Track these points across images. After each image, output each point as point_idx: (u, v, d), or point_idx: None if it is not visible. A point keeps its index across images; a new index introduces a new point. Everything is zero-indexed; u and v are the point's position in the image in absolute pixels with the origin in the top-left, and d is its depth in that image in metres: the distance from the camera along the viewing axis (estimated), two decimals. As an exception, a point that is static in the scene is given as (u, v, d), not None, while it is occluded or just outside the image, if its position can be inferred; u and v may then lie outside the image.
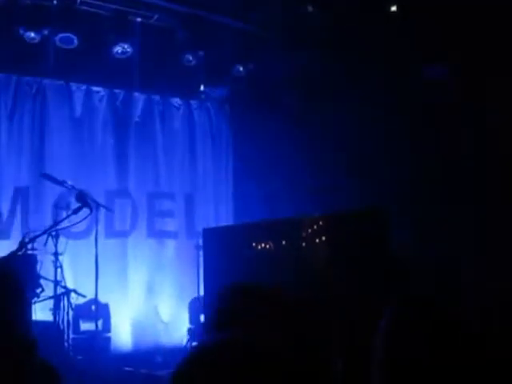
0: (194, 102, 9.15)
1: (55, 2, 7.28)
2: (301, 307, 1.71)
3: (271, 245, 7.19)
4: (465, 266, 6.06)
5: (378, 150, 7.13)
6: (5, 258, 5.05)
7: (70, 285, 6.72)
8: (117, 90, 8.55)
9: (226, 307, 1.62)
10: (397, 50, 6.83)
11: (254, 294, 1.67)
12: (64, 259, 6.71)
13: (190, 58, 8.21)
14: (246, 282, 1.72)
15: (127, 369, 6.76)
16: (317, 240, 6.60)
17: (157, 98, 8.83)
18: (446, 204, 6.48)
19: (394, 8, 7.14)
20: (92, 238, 6.89)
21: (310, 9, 7.76)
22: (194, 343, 7.48)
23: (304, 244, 6.72)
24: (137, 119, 8.63)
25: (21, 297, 1.37)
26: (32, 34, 7.31)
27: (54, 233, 6.33)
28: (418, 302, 1.77)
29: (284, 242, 6.94)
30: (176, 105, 9.03)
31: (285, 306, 1.65)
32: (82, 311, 7.04)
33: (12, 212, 7.61)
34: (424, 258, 6.27)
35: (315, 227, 6.65)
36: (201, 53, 8.19)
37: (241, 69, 8.50)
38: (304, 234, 6.72)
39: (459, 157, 6.44)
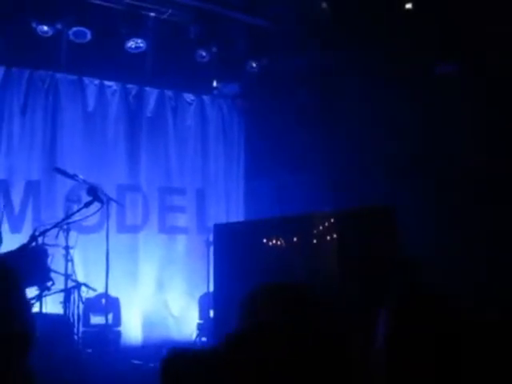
0: (206, 98, 9.13)
1: (69, -5, 7.30)
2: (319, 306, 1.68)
3: (282, 241, 7.16)
4: (477, 265, 6.01)
5: (390, 146, 7.08)
6: (15, 251, 5.06)
7: (80, 278, 6.74)
8: (129, 85, 8.56)
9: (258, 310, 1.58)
10: (410, 46, 6.78)
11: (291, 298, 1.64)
12: (75, 253, 6.73)
13: (203, 53, 8.19)
14: (279, 283, 1.69)
15: (136, 362, 6.76)
16: (328, 237, 6.57)
17: (169, 93, 8.82)
18: (459, 203, 6.42)
19: (408, 5, 7.09)
20: (103, 232, 6.90)
21: (323, 5, 7.73)
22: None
23: (315, 241, 6.69)
24: (149, 114, 8.64)
25: (16, 291, 1.33)
26: (45, 28, 7.32)
27: (65, 226, 6.35)
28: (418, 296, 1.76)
29: (295, 239, 6.91)
30: (188, 100, 9.02)
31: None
32: (93, 305, 7.06)
33: (24, 206, 7.64)
34: (435, 256, 6.22)
35: (326, 224, 6.62)
36: (214, 48, 8.17)
37: (254, 64, 8.47)
38: (315, 231, 6.69)
39: (472, 154, 6.38)
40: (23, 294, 1.34)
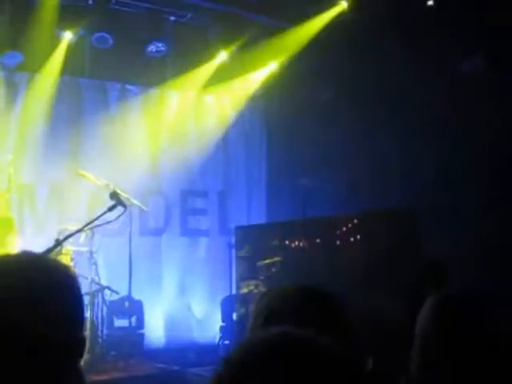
0: (227, 99, 9.12)
1: (90, 2, 7.35)
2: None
3: (305, 243, 7.14)
4: (502, 267, 5.92)
5: (414, 146, 7.01)
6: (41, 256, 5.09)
7: (104, 282, 6.77)
8: (151, 88, 8.59)
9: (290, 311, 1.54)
10: (434, 44, 6.70)
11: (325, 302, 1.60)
12: (98, 256, 6.76)
13: (224, 55, 8.22)
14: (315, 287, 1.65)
15: (159, 365, 6.77)
16: (351, 238, 6.54)
17: (191, 95, 8.83)
18: (484, 203, 6.33)
19: (430, 2, 7.03)
20: (126, 235, 6.93)
21: (344, 4, 7.69)
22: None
23: (338, 242, 6.67)
24: (171, 117, 8.65)
25: (79, 293, 1.32)
26: (68, 34, 7.41)
27: (88, 231, 6.37)
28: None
29: (318, 240, 6.89)
30: (209, 102, 9.02)
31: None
32: (116, 308, 7.08)
33: (48, 209, 7.71)
34: (460, 257, 6.14)
35: (350, 225, 6.59)
36: (234, 50, 8.18)
37: (275, 64, 8.47)
38: (338, 233, 6.67)
39: (498, 155, 6.28)
40: (82, 296, 1.33)
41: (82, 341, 1.26)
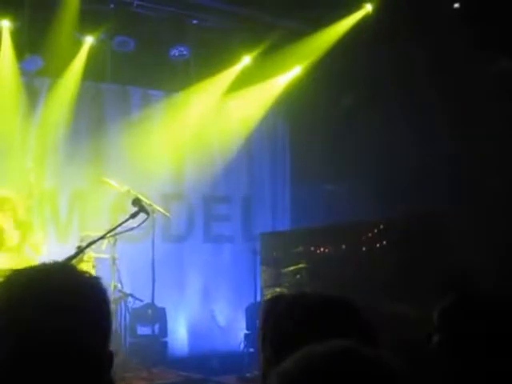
0: (251, 104, 9.02)
1: (112, 5, 7.32)
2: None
3: (330, 249, 7.05)
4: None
5: (438, 151, 6.86)
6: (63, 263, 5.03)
7: (126, 289, 6.70)
8: (174, 93, 8.53)
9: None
10: (460, 46, 6.56)
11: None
12: (121, 263, 6.70)
13: (247, 59, 8.15)
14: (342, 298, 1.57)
15: (183, 373, 6.70)
16: (377, 244, 6.44)
17: (213, 99, 8.74)
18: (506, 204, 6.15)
19: (456, 5, 6.92)
20: (149, 242, 6.86)
21: (368, 8, 7.59)
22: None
23: (364, 248, 6.57)
24: (193, 122, 8.57)
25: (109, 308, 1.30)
26: (89, 38, 7.39)
27: (111, 237, 6.31)
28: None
29: (344, 246, 6.79)
30: (233, 106, 8.93)
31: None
32: (139, 315, 7.02)
33: (70, 215, 7.68)
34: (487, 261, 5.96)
35: (376, 231, 6.48)
36: (258, 54, 8.11)
37: (298, 68, 8.38)
38: (364, 238, 6.57)
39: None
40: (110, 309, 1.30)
41: (111, 354, 1.26)
